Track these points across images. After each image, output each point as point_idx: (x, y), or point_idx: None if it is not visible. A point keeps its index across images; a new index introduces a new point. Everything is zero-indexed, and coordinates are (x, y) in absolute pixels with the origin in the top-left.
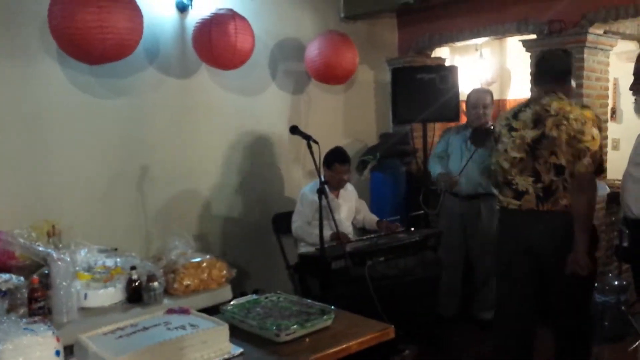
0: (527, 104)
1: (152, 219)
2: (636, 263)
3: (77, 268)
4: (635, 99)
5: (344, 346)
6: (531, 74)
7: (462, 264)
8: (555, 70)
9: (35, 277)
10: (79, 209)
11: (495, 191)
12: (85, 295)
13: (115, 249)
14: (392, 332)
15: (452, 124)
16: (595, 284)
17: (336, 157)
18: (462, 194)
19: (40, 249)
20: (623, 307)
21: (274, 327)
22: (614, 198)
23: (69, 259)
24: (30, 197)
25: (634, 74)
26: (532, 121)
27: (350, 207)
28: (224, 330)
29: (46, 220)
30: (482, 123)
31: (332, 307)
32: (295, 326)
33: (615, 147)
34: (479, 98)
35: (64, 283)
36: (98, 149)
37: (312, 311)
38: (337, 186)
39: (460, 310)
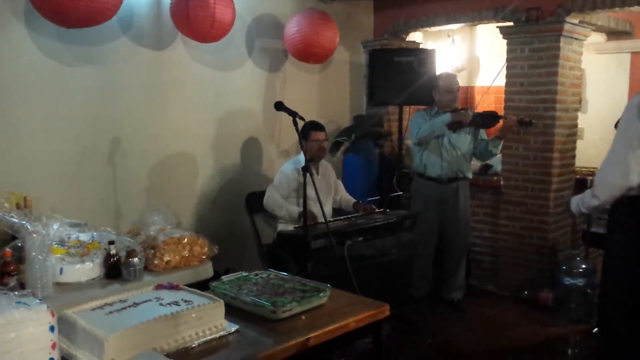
0: None
1: (122, 194)
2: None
3: (52, 242)
4: None
5: (343, 323)
6: None
7: (434, 247)
8: None
9: (7, 249)
10: (46, 181)
11: None
12: (61, 270)
13: (86, 224)
14: (387, 310)
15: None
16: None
17: (311, 126)
18: (442, 178)
19: (14, 220)
20: (589, 290)
21: (270, 304)
22: (582, 185)
23: (44, 232)
24: None
25: None
26: None
27: (329, 185)
28: (219, 306)
29: (13, 193)
30: (455, 107)
31: (328, 284)
32: (293, 303)
33: (580, 136)
34: (453, 82)
35: (40, 257)
36: (66, 120)
37: (307, 288)
38: (317, 157)
39: (431, 291)
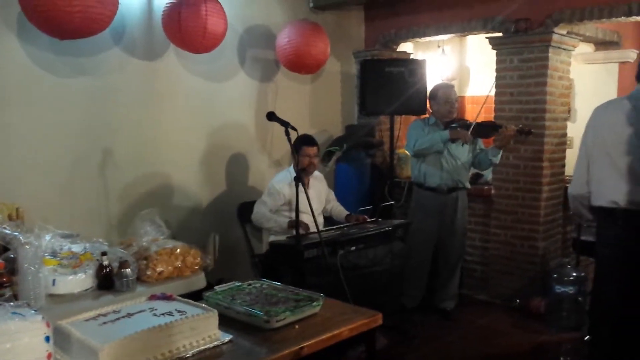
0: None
1: (114, 205)
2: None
3: (44, 254)
4: None
5: (335, 332)
6: None
7: (430, 258)
8: None
9: (0, 261)
10: (38, 192)
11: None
12: (54, 282)
13: (77, 235)
14: (380, 318)
15: (416, 117)
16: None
17: (303, 141)
18: (442, 188)
19: (7, 232)
20: (580, 298)
21: (263, 314)
22: None
23: (36, 243)
24: None
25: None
26: None
27: (320, 196)
28: (213, 316)
29: (5, 204)
30: (453, 118)
31: (321, 294)
32: (286, 312)
33: (569, 145)
34: (451, 93)
35: (32, 268)
36: (58, 131)
37: (300, 298)
38: (306, 171)
39: (423, 301)
